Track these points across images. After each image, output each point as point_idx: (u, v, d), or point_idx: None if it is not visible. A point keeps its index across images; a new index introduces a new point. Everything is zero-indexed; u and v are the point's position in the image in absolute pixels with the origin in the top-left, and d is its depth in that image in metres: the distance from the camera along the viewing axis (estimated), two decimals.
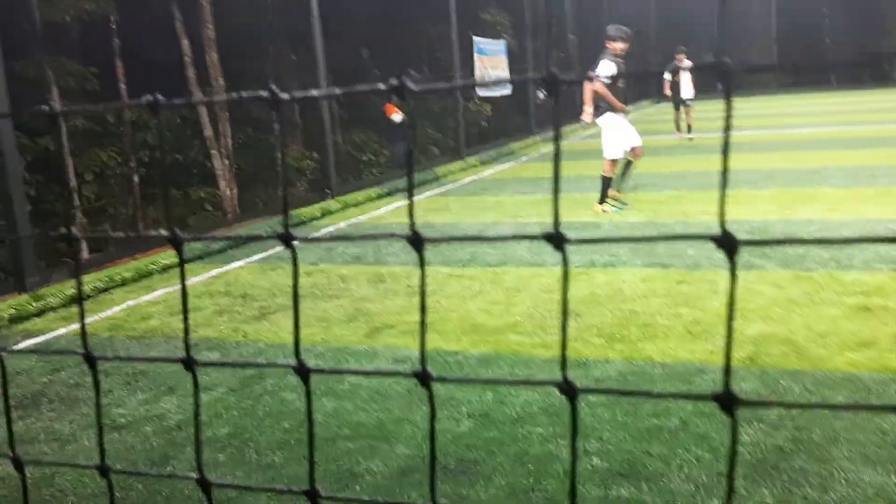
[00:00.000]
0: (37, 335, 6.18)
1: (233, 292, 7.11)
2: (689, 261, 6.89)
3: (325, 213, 11.28)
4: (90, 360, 0.80)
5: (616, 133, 9.29)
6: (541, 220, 9.43)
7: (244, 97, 0.70)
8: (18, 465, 0.89)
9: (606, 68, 9.14)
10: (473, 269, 7.26)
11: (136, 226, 13.37)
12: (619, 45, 9.18)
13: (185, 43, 13.70)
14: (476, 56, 17.41)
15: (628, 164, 9.65)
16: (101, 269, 7.91)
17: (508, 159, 16.57)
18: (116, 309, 6.82)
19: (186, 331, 0.78)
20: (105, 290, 7.39)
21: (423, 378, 0.70)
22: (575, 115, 24.95)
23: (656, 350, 4.81)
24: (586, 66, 26.35)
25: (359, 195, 12.43)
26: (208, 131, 14.31)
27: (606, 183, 9.47)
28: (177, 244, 0.75)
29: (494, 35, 19.39)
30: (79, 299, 0.81)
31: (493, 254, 7.77)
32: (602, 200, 9.50)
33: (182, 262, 0.76)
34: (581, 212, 9.63)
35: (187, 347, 0.79)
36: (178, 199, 14.66)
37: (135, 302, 7.00)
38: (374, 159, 17.88)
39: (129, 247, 9.01)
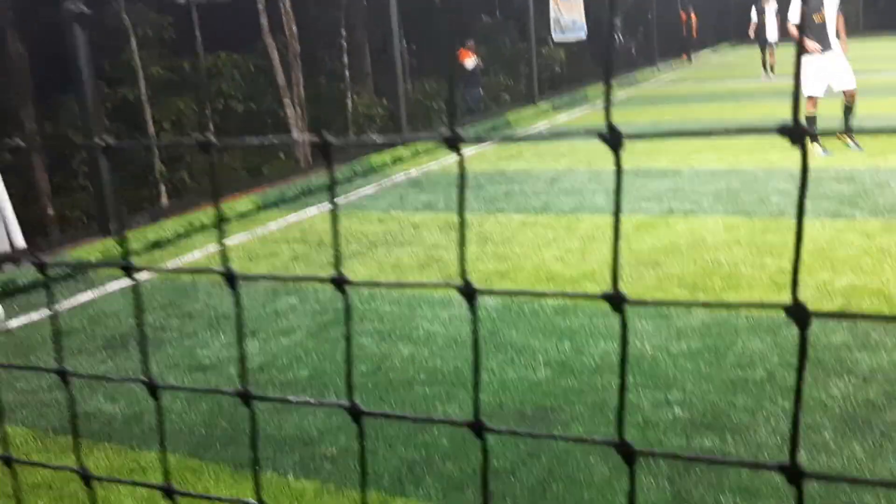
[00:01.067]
0: (123, 278, 6.38)
1: (308, 239, 7.19)
2: (774, 209, 6.65)
3: (396, 161, 11.27)
4: (231, 279, 0.77)
5: (810, 70, 8.73)
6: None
7: None
8: (154, 389, 0.89)
9: (795, 7, 8.92)
10: (547, 217, 7.16)
11: (212, 173, 13.63)
12: None
13: None
14: None
15: (846, 108, 9.00)
16: (180, 215, 8.09)
17: (583, 105, 16.22)
18: (197, 254, 6.98)
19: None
20: (185, 235, 7.57)
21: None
22: (649, 59, 24.22)
23: (741, 300, 4.67)
24: (662, 9, 25.43)
25: (428, 144, 12.36)
26: (281, 80, 14.38)
27: (809, 122, 8.91)
28: (325, 148, 0.71)
29: None
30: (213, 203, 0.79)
31: (568, 201, 7.65)
32: (813, 140, 8.95)
33: (331, 165, 0.73)
34: (660, 157, 9.38)
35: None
36: (251, 147, 14.87)
37: (214, 247, 7.15)
38: (445, 107, 17.73)
39: (206, 194, 9.19)
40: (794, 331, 3.94)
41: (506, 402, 3.74)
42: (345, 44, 16.69)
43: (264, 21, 13.90)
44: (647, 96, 16.97)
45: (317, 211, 8.42)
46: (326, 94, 16.59)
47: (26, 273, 6.30)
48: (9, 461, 0.93)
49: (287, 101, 14.41)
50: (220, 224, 0.81)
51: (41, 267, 0.85)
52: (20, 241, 7.01)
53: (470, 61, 15.66)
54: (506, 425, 3.53)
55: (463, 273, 0.71)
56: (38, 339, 5.20)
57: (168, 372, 4.46)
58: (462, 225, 0.71)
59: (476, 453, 3.33)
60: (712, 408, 3.51)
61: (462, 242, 0.72)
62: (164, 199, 12.19)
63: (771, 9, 17.73)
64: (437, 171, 10.33)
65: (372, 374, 4.21)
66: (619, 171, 0.62)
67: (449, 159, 11.18)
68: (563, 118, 14.56)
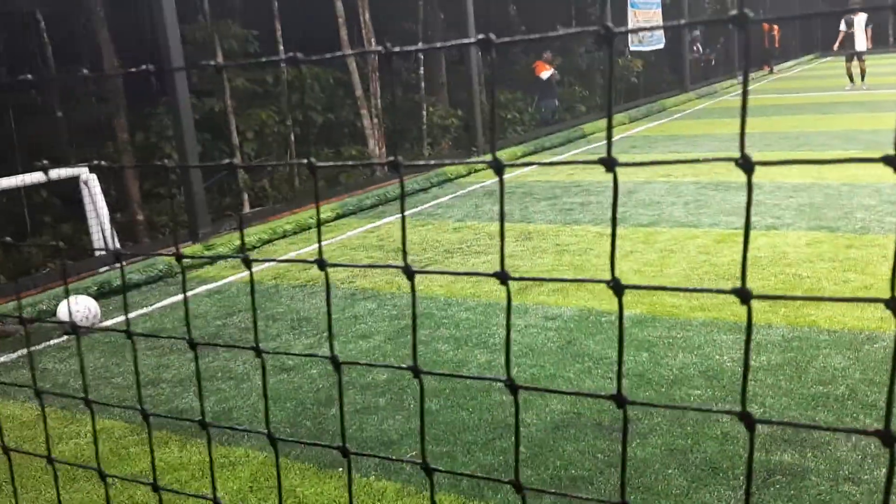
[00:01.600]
0: (210, 282, 6.65)
1: (385, 246, 7.35)
2: (858, 224, 6.50)
3: (471, 171, 11.38)
4: (410, 274, 0.89)
5: None
6: (696, 179, 9.13)
7: None
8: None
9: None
10: (624, 229, 7.14)
11: (292, 182, 14.00)
12: None
13: (339, 5, 14.05)
14: (630, 10, 16.88)
15: None
16: (263, 223, 8.37)
17: (660, 116, 16.06)
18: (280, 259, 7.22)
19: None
20: (268, 241, 7.82)
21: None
22: (729, 69, 23.76)
23: (822, 316, 4.60)
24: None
25: (503, 153, 12.45)
26: (359, 91, 14.69)
27: None
28: (499, 169, 0.81)
29: None
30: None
31: (646, 214, 7.62)
32: None
33: (502, 184, 0.83)
34: (740, 171, 9.24)
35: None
36: (329, 156, 15.19)
37: (296, 253, 7.38)
38: (519, 117, 17.80)
39: (289, 202, 9.47)
40: (876, 346, 3.89)
41: (583, 412, 3.78)
42: (421, 56, 16.93)
43: (344, 34, 14.23)
44: (726, 108, 16.69)
45: (393, 219, 8.58)
46: (402, 106, 16.83)
47: (120, 274, 6.62)
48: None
49: (364, 111, 14.70)
50: (403, 223, 0.91)
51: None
52: (116, 246, 7.38)
53: (546, 73, 15.70)
54: (583, 435, 3.58)
55: (612, 269, 0.79)
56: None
57: (254, 372, 4.64)
58: (614, 225, 0.79)
59: (554, 461, 3.38)
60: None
61: (613, 243, 0.80)
62: (247, 207, 12.57)
63: (860, 20, 17.48)
64: (513, 182, 10.39)
65: (449, 380, 4.30)
66: (749, 192, 0.69)
67: (524, 169, 11.22)
68: (639, 129, 14.45)
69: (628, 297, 5.29)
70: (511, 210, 8.50)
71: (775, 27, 25.01)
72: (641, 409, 3.73)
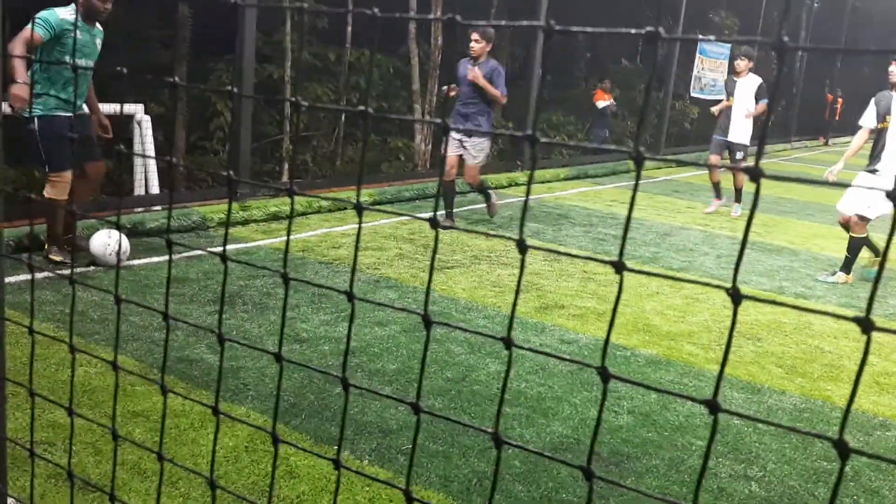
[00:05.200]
0: (240, 242, 6.71)
1: (416, 241, 7.38)
2: (890, 310, 6.43)
3: (512, 184, 11.40)
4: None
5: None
6: (733, 234, 9.07)
7: None
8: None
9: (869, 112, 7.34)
10: (653, 269, 7.11)
11: (333, 161, 14.08)
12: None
13: None
14: (697, 56, 16.83)
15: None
16: (301, 195, 8.42)
17: (706, 167, 15.97)
18: (311, 233, 7.27)
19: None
20: (303, 214, 7.88)
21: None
22: (784, 133, 23.57)
23: (838, 393, 4.55)
24: (809, 86, 24.80)
25: (546, 173, 12.46)
26: (416, 85, 14.75)
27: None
28: (639, 161, 0.83)
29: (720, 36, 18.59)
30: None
31: (677, 258, 7.59)
32: None
33: (638, 176, 0.85)
34: (779, 235, 9.17)
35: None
36: (375, 144, 15.28)
37: (328, 230, 7.43)
38: (567, 141, 17.78)
39: (329, 179, 9.53)
40: (889, 434, 3.85)
41: (583, 440, 3.78)
42: None
43: (412, 27, 14.31)
44: (775, 170, 16.55)
45: (427, 215, 8.61)
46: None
47: (155, 217, 6.71)
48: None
49: (417, 106, 14.76)
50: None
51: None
52: (156, 191, 7.47)
53: (602, 102, 15.68)
54: (580, 462, 3.57)
55: (734, 278, 0.81)
56: (156, 280, 5.54)
57: (268, 337, 4.68)
58: (747, 230, 0.81)
59: (547, 482, 3.38)
60: (790, 492, 3.45)
61: (743, 245, 0.82)
62: (285, 177, 12.66)
63: (746, 86, 9.99)
64: (550, 203, 10.39)
65: (457, 381, 4.31)
66: None
67: (564, 192, 11.22)
68: (684, 175, 14.39)
69: (645, 336, 5.27)
70: (544, 229, 8.50)
71: (839, 99, 24.81)
72: (642, 448, 3.72)
